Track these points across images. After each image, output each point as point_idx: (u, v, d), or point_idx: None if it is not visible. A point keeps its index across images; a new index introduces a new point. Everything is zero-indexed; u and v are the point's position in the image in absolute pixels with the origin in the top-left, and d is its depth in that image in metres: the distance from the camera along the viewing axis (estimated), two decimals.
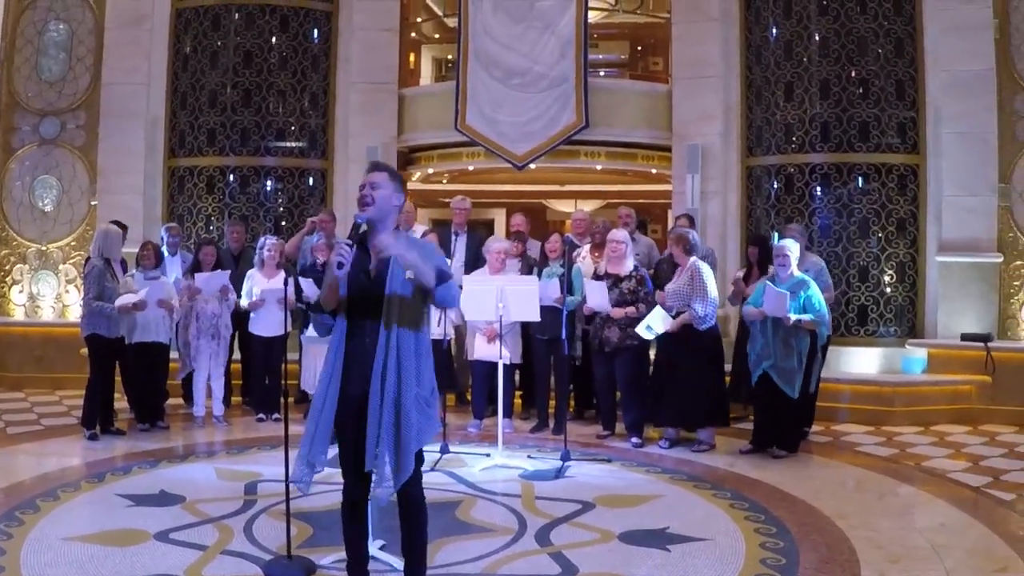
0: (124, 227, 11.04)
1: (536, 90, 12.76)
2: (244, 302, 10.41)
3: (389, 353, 4.69)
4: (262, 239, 10.68)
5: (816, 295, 8.86)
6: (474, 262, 10.63)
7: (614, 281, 9.42)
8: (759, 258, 10.15)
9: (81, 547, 6.12)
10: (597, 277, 9.58)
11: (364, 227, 4.87)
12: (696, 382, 9.07)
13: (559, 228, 17.30)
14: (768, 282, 9.03)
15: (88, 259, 10.10)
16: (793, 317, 8.70)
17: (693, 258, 9.20)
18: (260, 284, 10.38)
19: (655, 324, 9.05)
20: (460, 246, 11.06)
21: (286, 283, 6.72)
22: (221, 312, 10.34)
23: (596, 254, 10.28)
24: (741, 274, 10.42)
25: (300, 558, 5.83)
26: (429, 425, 4.80)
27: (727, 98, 12.66)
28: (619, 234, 9.63)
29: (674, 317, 9.05)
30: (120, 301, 9.33)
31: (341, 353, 4.83)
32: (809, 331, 8.85)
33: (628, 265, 9.49)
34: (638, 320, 9.26)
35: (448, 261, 9.76)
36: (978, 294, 11.48)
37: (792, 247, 9.06)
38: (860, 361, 11.67)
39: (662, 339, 9.19)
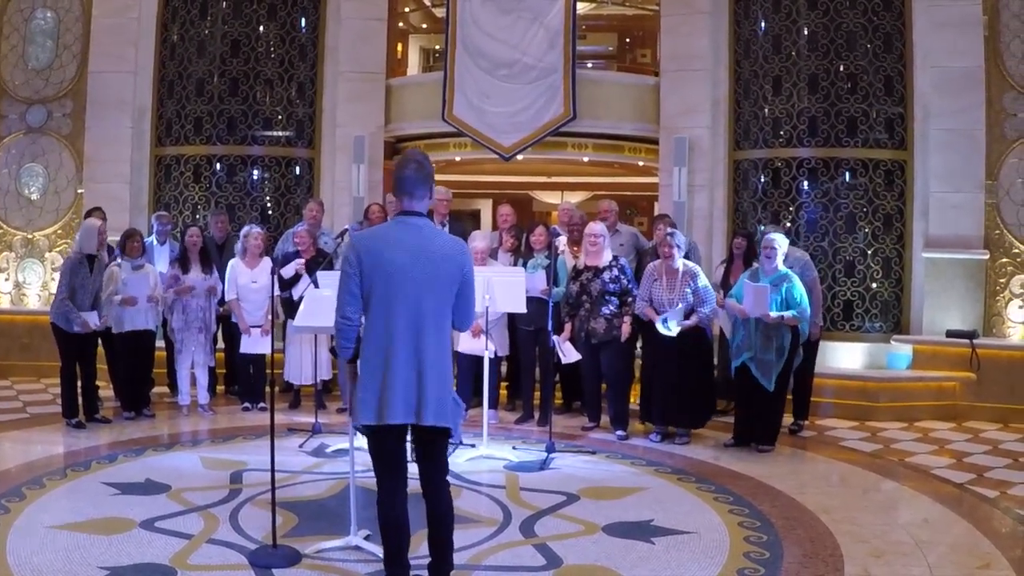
0: (98, 210, 11.05)
1: (524, 81, 12.70)
2: (229, 294, 10.34)
3: None
4: (245, 228, 10.59)
5: (798, 288, 8.87)
6: None
7: (595, 273, 9.44)
8: (745, 251, 10.18)
9: (67, 535, 6.12)
10: (577, 271, 9.61)
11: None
12: (703, 378, 9.28)
13: (545, 219, 17.31)
14: (747, 280, 9.04)
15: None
16: (774, 314, 8.72)
17: None
18: (243, 274, 10.33)
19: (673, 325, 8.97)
20: None
21: (272, 272, 6.72)
22: (208, 305, 10.31)
23: (575, 248, 10.25)
24: (722, 265, 10.49)
25: (285, 547, 5.85)
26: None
27: (715, 91, 12.62)
28: (596, 227, 9.63)
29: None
30: (84, 317, 9.32)
31: None
32: (791, 327, 8.87)
33: (607, 256, 9.51)
34: (619, 313, 9.32)
35: None
36: (964, 291, 11.49)
37: (781, 241, 9.07)
38: (845, 356, 11.69)
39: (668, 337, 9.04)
